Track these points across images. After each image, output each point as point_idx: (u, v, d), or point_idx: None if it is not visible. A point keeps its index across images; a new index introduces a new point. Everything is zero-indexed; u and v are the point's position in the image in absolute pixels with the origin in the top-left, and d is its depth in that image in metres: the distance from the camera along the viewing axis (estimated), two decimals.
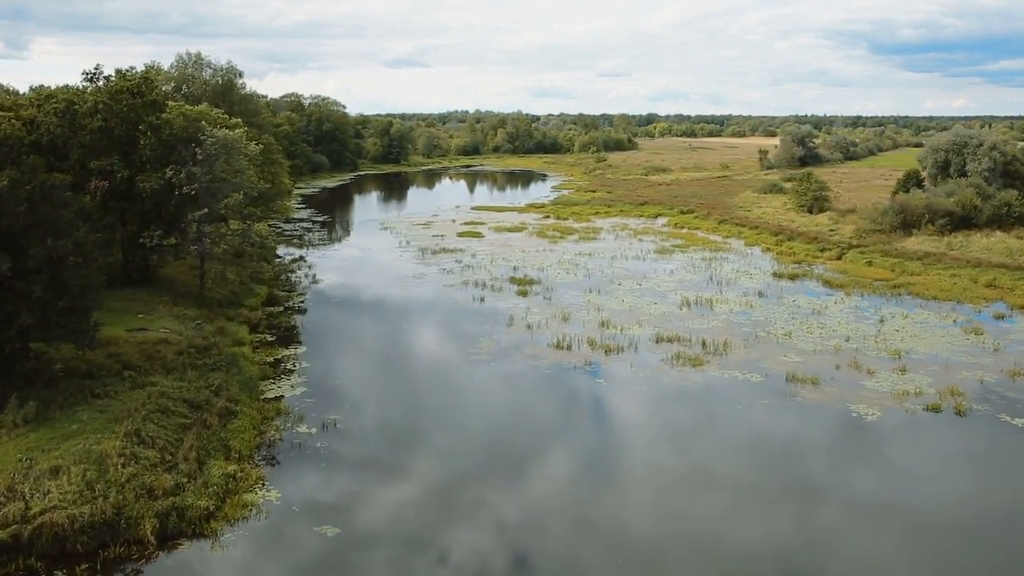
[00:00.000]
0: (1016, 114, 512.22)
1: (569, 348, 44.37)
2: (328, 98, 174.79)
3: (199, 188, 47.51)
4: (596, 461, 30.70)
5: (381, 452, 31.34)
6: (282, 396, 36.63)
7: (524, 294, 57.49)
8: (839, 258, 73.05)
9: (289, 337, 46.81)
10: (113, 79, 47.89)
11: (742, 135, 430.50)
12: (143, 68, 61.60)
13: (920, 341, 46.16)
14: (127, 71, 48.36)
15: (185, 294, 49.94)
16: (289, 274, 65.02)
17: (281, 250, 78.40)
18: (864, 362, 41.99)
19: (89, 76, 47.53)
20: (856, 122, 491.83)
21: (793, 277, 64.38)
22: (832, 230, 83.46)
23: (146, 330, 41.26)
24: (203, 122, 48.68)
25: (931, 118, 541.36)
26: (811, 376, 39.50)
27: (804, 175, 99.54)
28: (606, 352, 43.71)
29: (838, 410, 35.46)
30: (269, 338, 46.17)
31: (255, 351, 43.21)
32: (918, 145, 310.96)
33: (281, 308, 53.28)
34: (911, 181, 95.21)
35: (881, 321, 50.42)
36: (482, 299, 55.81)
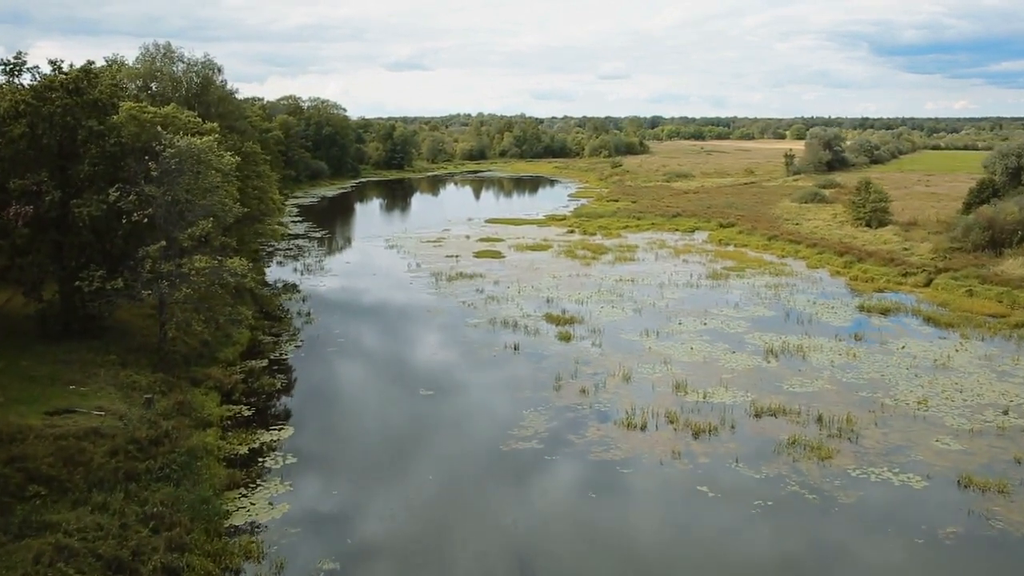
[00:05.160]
0: (1018, 115, 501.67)
1: (644, 428, 33.32)
2: (328, 101, 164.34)
3: (156, 213, 36.55)
4: None
5: None
6: (255, 522, 25.55)
7: (566, 338, 46.47)
8: (927, 284, 62.00)
9: (272, 410, 35.76)
10: (43, 73, 36.92)
11: (751, 137, 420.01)
12: (103, 62, 50.83)
13: None
14: (60, 62, 37.28)
15: (140, 348, 38.87)
16: (278, 310, 53.96)
17: (272, 272, 67.49)
18: None
19: (8, 68, 36.44)
20: (863, 124, 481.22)
21: (884, 311, 53.33)
22: (905, 249, 72.36)
23: (74, 412, 30.22)
24: (160, 128, 37.68)
25: (938, 119, 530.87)
26: (993, 479, 28.42)
27: (862, 184, 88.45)
28: (694, 434, 32.67)
29: None
30: (246, 411, 35.10)
31: (225, 435, 32.18)
32: (936, 147, 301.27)
33: (265, 362, 42.22)
34: (986, 191, 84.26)
35: None
36: (515, 347, 44.77)
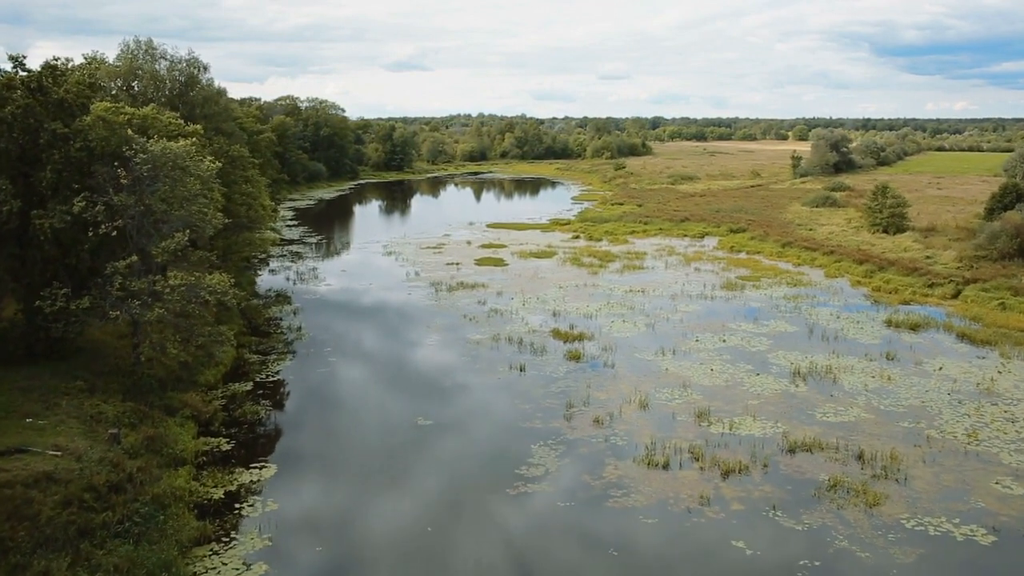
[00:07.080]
0: (1019, 116, 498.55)
1: (666, 466, 29.91)
2: (326, 101, 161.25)
3: (127, 225, 33.16)
4: None
5: None
6: None
7: (576, 357, 43.06)
8: (955, 296, 58.56)
9: (255, 443, 32.34)
10: (2, 70, 33.51)
11: (753, 138, 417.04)
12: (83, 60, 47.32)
13: None
14: (23, 58, 33.85)
15: (111, 372, 35.42)
16: (268, 324, 50.55)
17: (264, 280, 64.19)
18: None
19: None
20: (865, 125, 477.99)
21: (914, 327, 49.87)
22: (928, 257, 68.96)
23: (26, 452, 26.79)
24: (135, 131, 34.27)
25: (939, 120, 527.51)
26: None
27: (879, 188, 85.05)
28: (723, 474, 29.26)
29: None
30: (225, 445, 31.70)
31: (199, 475, 28.78)
32: (940, 149, 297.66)
33: (250, 385, 38.83)
34: (1009, 195, 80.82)
35: None
36: (521, 368, 41.39)
